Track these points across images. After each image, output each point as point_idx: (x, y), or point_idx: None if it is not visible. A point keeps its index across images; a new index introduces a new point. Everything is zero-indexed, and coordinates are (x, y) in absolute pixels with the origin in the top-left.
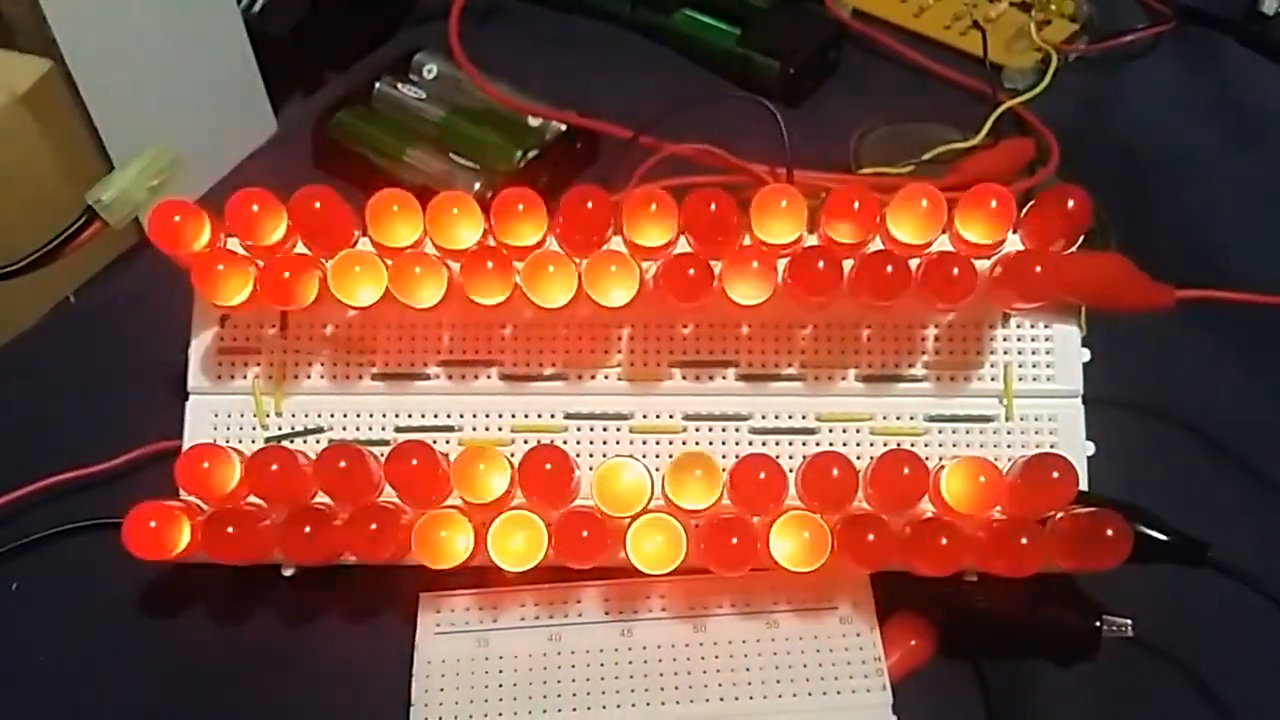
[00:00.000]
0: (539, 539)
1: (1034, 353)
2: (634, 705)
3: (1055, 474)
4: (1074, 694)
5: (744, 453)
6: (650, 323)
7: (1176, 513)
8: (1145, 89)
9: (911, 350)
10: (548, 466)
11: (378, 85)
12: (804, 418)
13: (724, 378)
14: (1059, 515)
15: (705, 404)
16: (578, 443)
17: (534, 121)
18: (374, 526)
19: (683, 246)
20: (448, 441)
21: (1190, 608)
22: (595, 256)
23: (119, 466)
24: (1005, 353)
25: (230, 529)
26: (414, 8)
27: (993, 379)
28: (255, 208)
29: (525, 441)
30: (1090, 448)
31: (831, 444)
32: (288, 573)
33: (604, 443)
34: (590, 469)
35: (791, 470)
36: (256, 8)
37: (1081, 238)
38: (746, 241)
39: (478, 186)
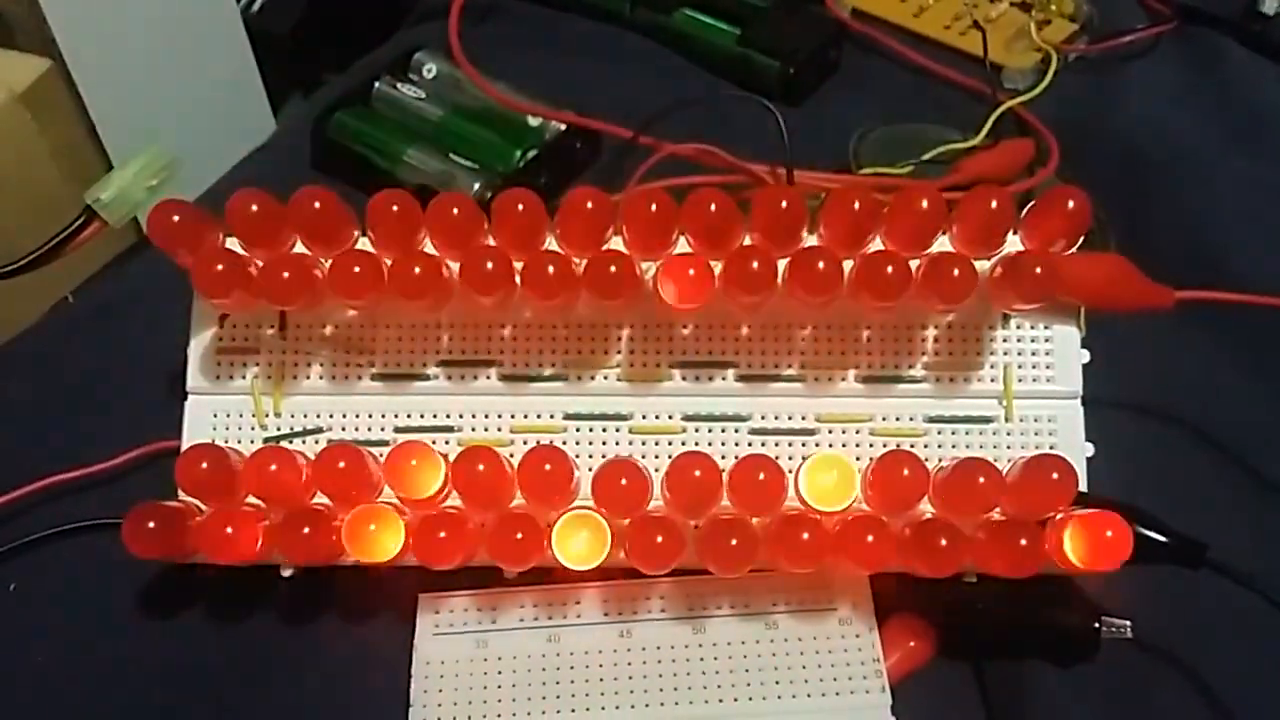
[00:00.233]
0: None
1: (1033, 354)
2: (633, 706)
3: (1055, 475)
4: (1073, 695)
5: (743, 453)
6: (650, 323)
7: (1175, 514)
8: (1145, 89)
9: (911, 351)
10: (547, 467)
11: (377, 85)
12: (803, 418)
13: (723, 378)
14: (1058, 516)
15: (705, 405)
16: (577, 443)
17: (534, 121)
18: (372, 527)
19: (682, 247)
20: (447, 442)
21: (1189, 609)
22: (595, 257)
23: (118, 466)
24: (1005, 354)
25: (229, 529)
26: (413, 7)
27: (992, 380)
28: (254, 207)
29: (525, 442)
30: (1089, 449)
31: (831, 445)
32: (287, 573)
33: (603, 443)
34: (589, 470)
35: (791, 471)
36: (255, 7)
37: (1081, 238)
38: (746, 242)
39: (477, 186)
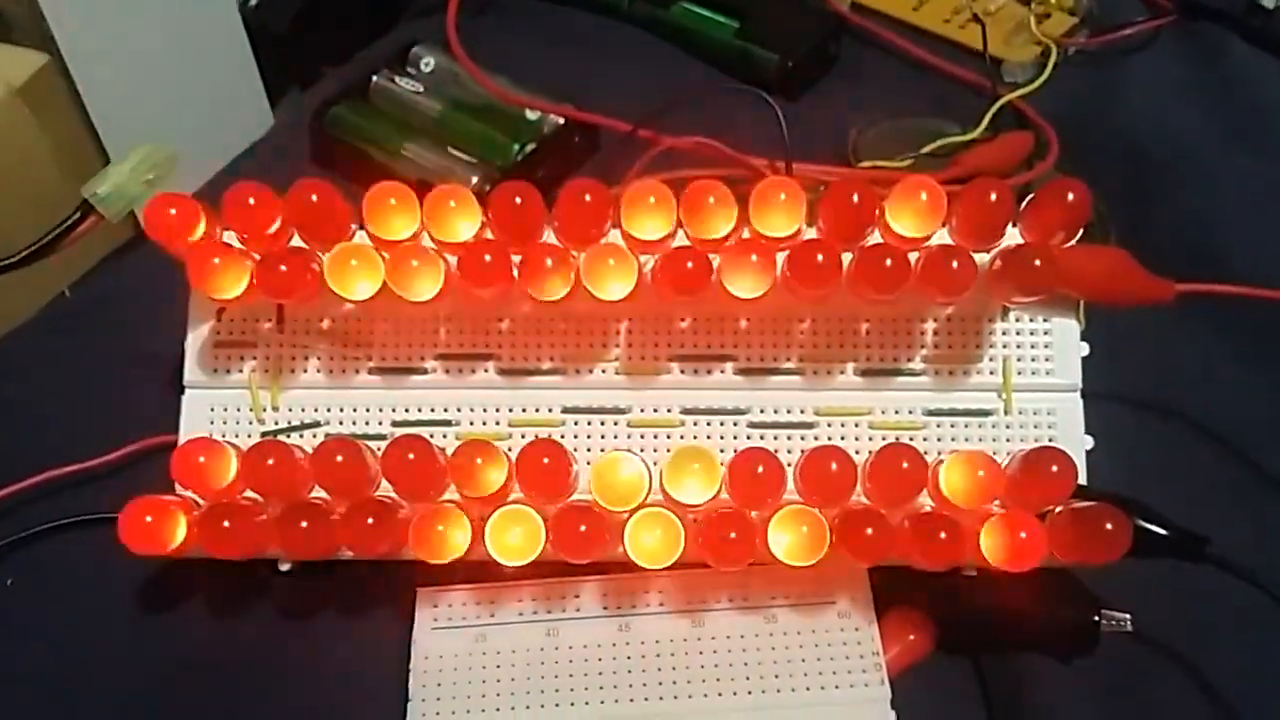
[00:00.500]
0: (536, 533)
1: (1033, 346)
2: (632, 700)
3: (1054, 468)
4: (1073, 688)
5: (742, 447)
6: (648, 316)
7: (1175, 507)
8: (1145, 83)
9: (910, 344)
10: (545, 461)
11: (375, 79)
12: (802, 412)
13: (722, 371)
14: (1058, 509)
15: (703, 398)
16: (575, 437)
17: (532, 115)
18: (371, 521)
19: (681, 240)
20: (445, 436)
21: (1189, 602)
22: (593, 250)
23: (115, 461)
24: (1004, 346)
25: (227, 524)
26: (411, 2)
27: (991, 373)
28: (251, 201)
29: (523, 436)
30: (1089, 442)
31: (830, 438)
32: (284, 567)
33: (601, 437)
34: (588, 463)
35: (790, 465)
36: (253, 2)
37: (1081, 231)
38: (745, 235)
39: (475, 180)
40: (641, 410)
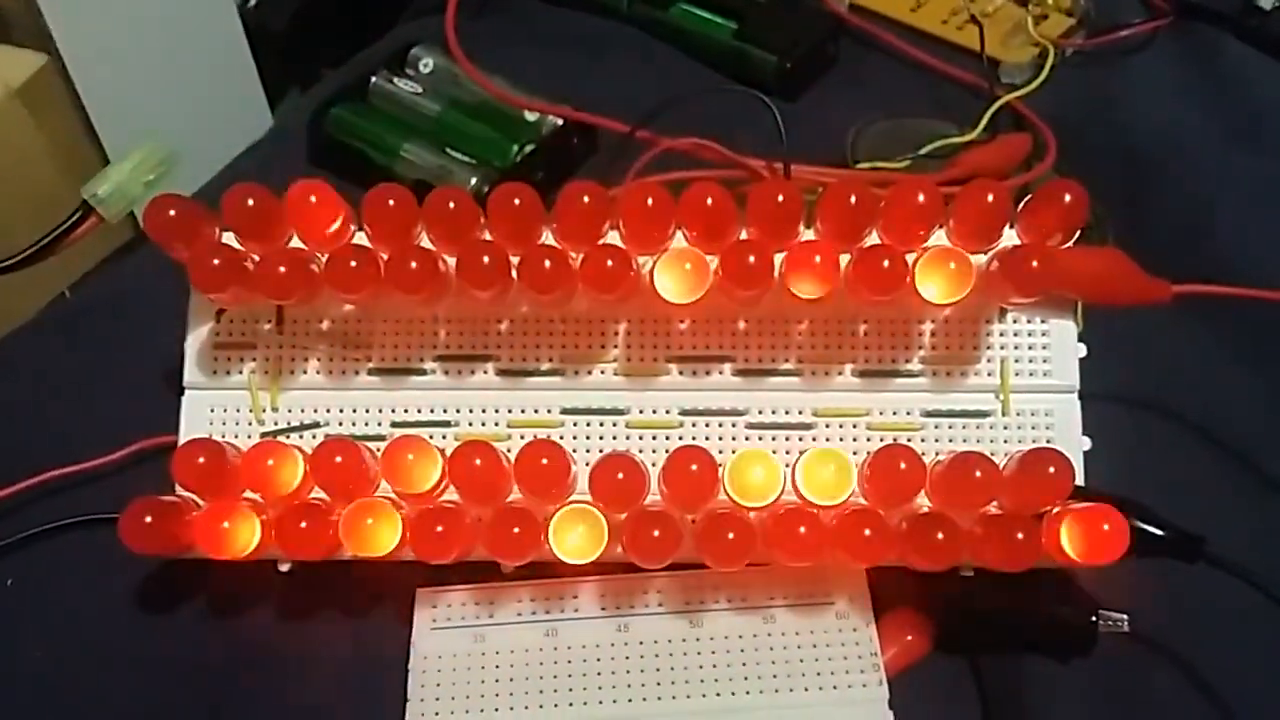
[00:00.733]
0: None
1: (1030, 348)
2: (630, 700)
3: (1051, 469)
4: (1070, 689)
5: (740, 448)
6: (647, 318)
7: (1173, 507)
8: (1142, 84)
9: (908, 345)
10: (544, 461)
11: (373, 80)
12: (800, 413)
13: (720, 373)
14: (1055, 510)
15: (702, 399)
16: (574, 438)
17: (531, 116)
18: (370, 521)
19: (679, 241)
20: (444, 437)
21: (1186, 602)
22: (592, 251)
23: (115, 462)
24: (1002, 348)
25: (226, 524)
26: (410, 2)
27: (989, 374)
28: (251, 202)
29: (521, 437)
30: (1086, 443)
31: (828, 439)
32: (284, 568)
33: (600, 438)
34: (586, 464)
35: (786, 465)
36: (252, 3)
37: (1078, 233)
38: (743, 236)
39: (474, 181)
40: (640, 411)
